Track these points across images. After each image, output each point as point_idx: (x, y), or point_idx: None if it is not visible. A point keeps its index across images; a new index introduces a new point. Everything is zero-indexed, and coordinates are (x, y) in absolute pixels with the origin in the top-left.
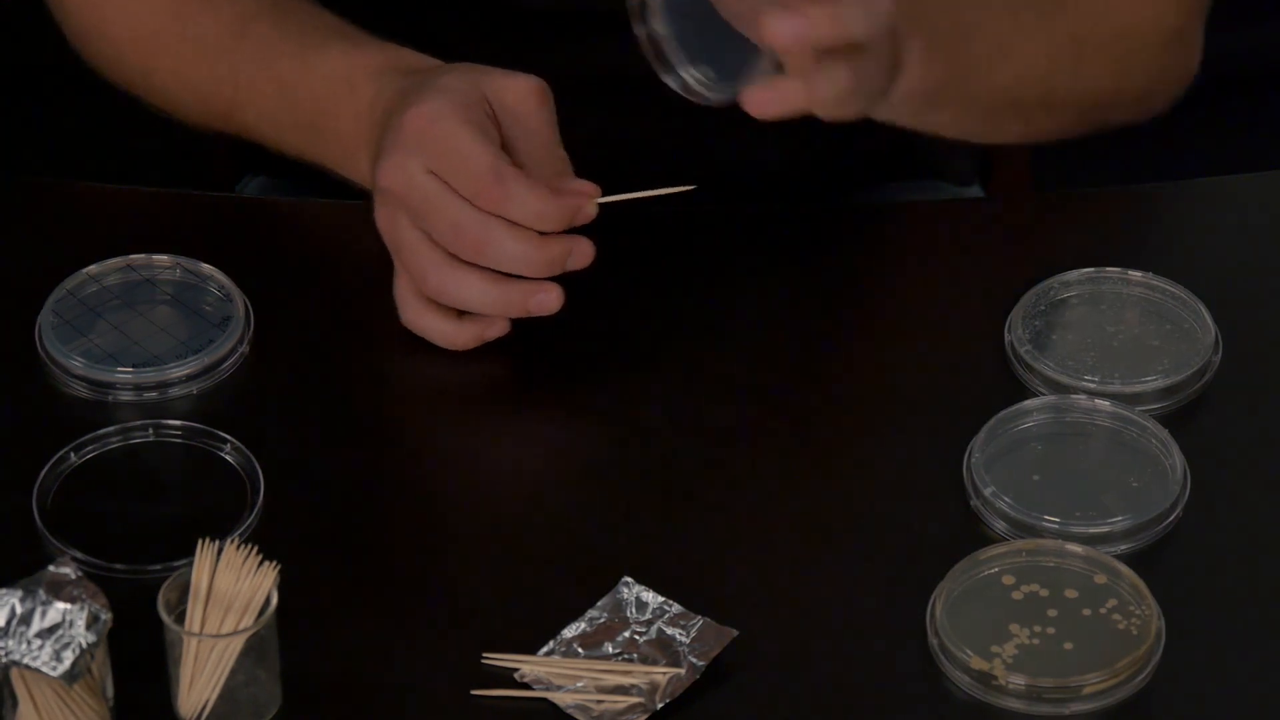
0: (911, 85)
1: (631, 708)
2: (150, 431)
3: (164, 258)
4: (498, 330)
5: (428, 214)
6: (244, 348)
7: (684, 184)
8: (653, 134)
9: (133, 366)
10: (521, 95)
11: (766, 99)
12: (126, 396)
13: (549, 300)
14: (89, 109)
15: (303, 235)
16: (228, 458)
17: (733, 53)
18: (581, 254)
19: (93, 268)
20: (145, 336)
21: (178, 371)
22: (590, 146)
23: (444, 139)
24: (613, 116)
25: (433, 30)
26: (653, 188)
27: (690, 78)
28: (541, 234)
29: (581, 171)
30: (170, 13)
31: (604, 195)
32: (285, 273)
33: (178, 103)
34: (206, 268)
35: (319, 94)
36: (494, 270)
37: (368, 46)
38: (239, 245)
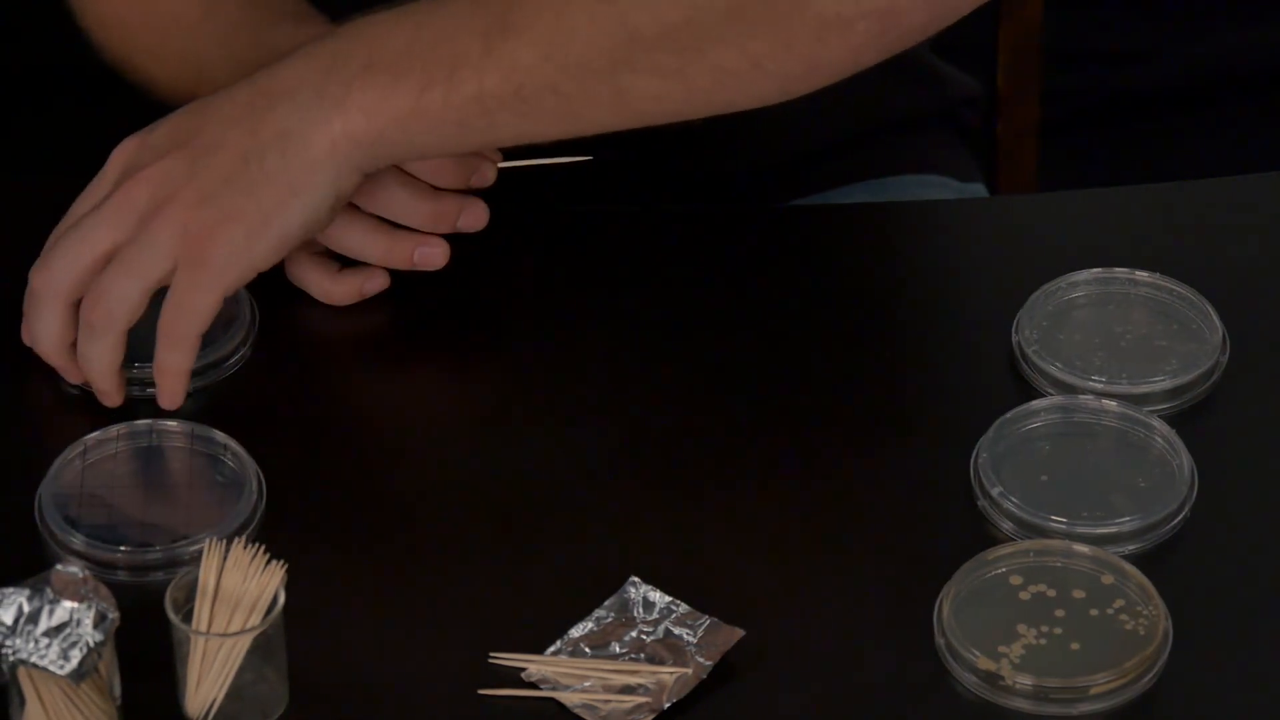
0: (362, 130)
1: (638, 707)
2: (155, 432)
3: None
4: (377, 284)
5: None
6: (248, 348)
7: (679, 187)
8: (653, 131)
9: (136, 364)
10: None
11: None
12: (131, 393)
13: (434, 255)
14: (90, 109)
15: None
16: (233, 457)
17: None
18: (474, 215)
19: None
20: (149, 335)
21: None
22: (581, 146)
23: None
24: None
25: None
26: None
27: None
28: (436, 189)
29: (573, 171)
30: None
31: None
32: None
33: (153, 81)
34: None
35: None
36: (383, 220)
37: (314, 26)
38: None
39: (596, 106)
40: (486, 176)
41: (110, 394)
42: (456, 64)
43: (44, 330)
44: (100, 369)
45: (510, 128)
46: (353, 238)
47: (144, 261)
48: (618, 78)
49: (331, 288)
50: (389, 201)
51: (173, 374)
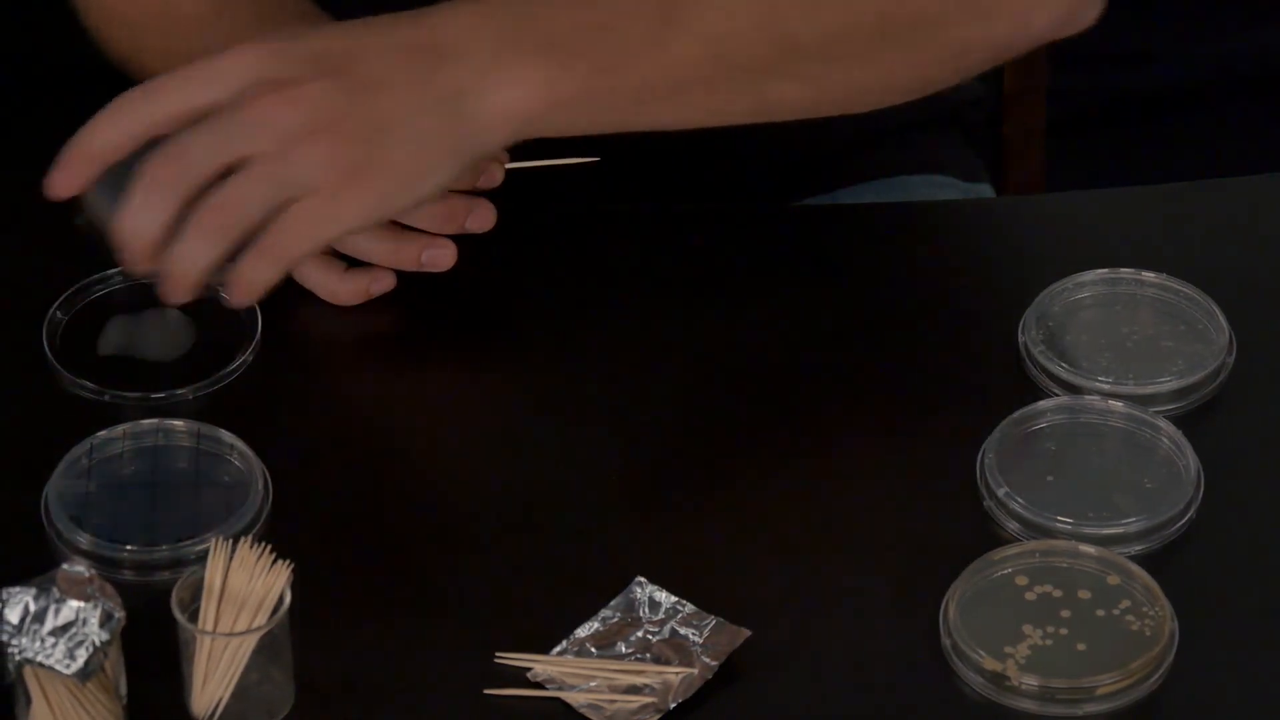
0: (532, 105)
1: (644, 707)
2: (161, 432)
3: None
4: (383, 285)
5: None
6: (252, 351)
7: (686, 187)
8: (660, 132)
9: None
10: None
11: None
12: (135, 395)
13: (441, 256)
14: (91, 109)
15: None
16: (240, 456)
17: None
18: (482, 215)
19: (113, 272)
20: (146, 345)
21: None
22: (588, 148)
23: None
24: None
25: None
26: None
27: None
28: (444, 191)
29: (581, 172)
30: None
31: (524, 163)
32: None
33: None
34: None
35: None
36: (391, 222)
37: (322, 25)
38: None
39: (738, 105)
40: (494, 178)
41: (189, 291)
42: (626, 51)
43: (149, 223)
44: (196, 270)
45: (655, 116)
46: (360, 238)
47: (282, 181)
48: (766, 81)
49: (338, 288)
50: None
51: (256, 285)
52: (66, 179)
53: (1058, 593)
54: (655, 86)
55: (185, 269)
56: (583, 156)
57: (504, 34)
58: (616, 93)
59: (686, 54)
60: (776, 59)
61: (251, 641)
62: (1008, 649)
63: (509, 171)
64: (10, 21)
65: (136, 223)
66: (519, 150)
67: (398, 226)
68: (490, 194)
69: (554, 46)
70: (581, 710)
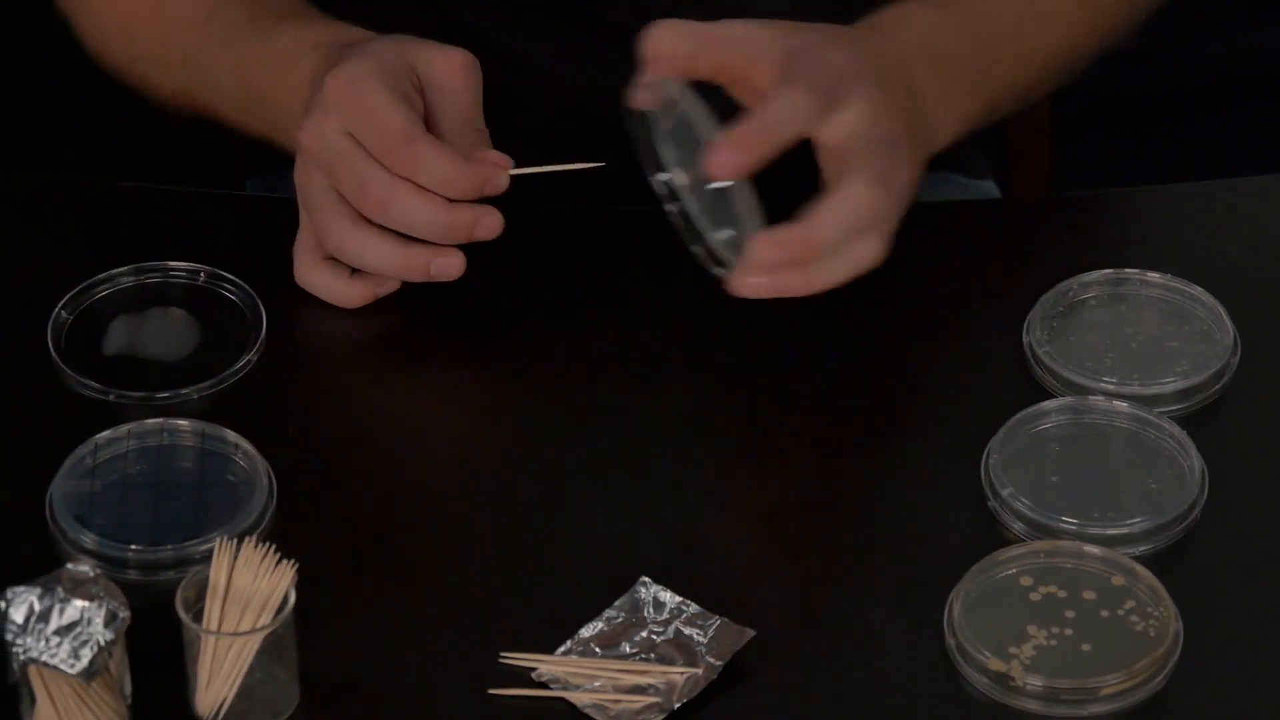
0: (954, 136)
1: (648, 707)
2: (166, 431)
3: (181, 264)
4: (388, 286)
5: (338, 171)
6: (257, 349)
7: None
8: None
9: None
10: (447, 68)
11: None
12: (140, 395)
13: (450, 266)
14: (97, 107)
15: None
16: (245, 456)
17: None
18: (489, 224)
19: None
20: (151, 350)
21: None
22: (591, 152)
23: (360, 99)
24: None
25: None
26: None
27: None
28: (450, 201)
29: (586, 175)
30: None
31: (528, 169)
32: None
33: (155, 86)
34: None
35: (268, 69)
36: (398, 233)
37: (317, 23)
38: (250, 244)
39: (1011, 110)
40: (500, 185)
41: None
42: (994, 86)
43: (808, 246)
44: (818, 288)
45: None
46: (369, 252)
47: (885, 178)
48: (1041, 89)
49: (344, 291)
50: (403, 217)
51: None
52: (748, 161)
53: (1062, 593)
54: (989, 111)
55: (812, 285)
56: (588, 162)
57: (933, 70)
58: (979, 123)
59: (1017, 84)
60: (1057, 78)
61: (256, 641)
62: (1012, 649)
63: (513, 177)
64: (10, 22)
65: (805, 245)
66: (524, 155)
67: (405, 238)
68: (496, 200)
69: (961, 80)
70: (586, 710)
